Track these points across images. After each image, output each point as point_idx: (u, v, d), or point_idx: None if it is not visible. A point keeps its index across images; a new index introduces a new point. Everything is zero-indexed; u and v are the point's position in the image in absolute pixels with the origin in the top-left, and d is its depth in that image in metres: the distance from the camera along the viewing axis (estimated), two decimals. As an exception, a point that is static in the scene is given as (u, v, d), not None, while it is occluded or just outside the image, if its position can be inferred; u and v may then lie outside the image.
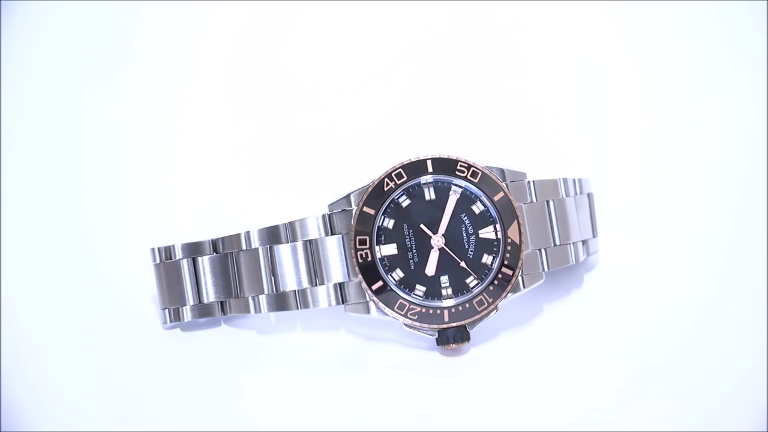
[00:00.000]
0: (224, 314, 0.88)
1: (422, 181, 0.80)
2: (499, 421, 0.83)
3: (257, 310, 0.85)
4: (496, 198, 0.80)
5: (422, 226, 0.80)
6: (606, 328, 0.91)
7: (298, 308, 0.85)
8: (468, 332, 0.82)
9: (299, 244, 0.84)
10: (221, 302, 0.88)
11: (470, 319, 0.81)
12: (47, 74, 1.04)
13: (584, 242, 0.92)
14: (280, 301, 0.85)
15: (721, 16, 1.08)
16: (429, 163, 0.80)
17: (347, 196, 0.82)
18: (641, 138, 1.05)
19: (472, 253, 0.81)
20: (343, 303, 0.83)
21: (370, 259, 0.79)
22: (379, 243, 0.80)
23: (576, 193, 0.91)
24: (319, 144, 1.04)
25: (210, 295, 0.88)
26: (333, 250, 0.83)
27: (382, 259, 0.80)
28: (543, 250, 0.86)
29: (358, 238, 0.79)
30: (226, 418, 0.81)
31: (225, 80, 1.08)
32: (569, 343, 0.90)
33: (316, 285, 0.84)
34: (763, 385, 0.85)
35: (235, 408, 0.83)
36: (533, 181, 0.86)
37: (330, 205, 0.83)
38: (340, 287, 0.83)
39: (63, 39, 1.07)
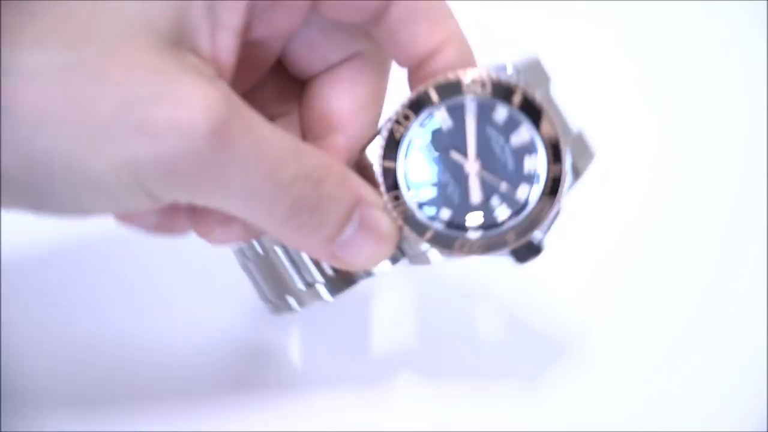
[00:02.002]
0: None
1: (433, 112, 0.72)
2: (496, 420, 0.83)
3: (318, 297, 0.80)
4: (515, 100, 0.72)
5: (452, 153, 0.72)
6: (602, 326, 0.91)
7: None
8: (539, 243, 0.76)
9: None
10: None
11: (537, 227, 0.74)
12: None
13: None
14: (347, 279, 0.79)
15: (720, 16, 1.08)
16: (432, 92, 0.71)
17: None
18: (639, 137, 1.05)
19: (512, 165, 0.73)
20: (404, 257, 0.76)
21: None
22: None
23: None
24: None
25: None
26: None
27: (420, 205, 0.73)
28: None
29: (391, 194, 0.72)
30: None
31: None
32: (565, 342, 0.90)
33: None
34: (763, 385, 0.85)
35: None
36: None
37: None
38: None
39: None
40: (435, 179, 0.73)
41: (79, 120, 0.59)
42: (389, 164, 0.71)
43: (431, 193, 0.72)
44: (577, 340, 0.90)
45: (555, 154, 0.73)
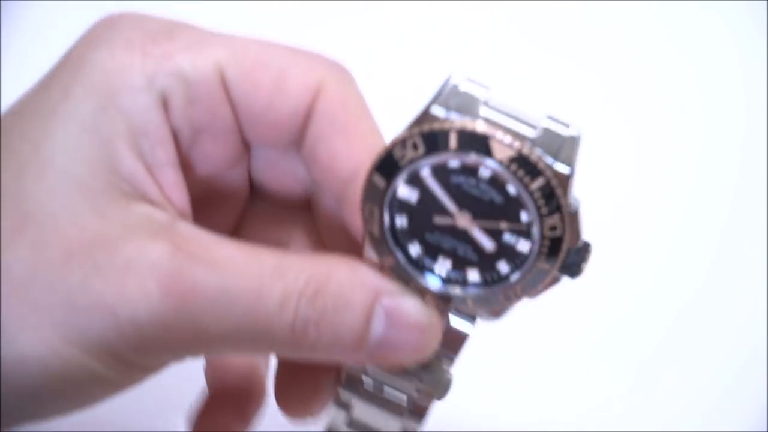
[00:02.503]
0: None
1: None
2: (493, 420, 0.83)
3: None
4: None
5: (436, 215, 0.65)
6: (599, 325, 0.91)
7: None
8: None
9: None
10: None
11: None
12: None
13: None
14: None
15: (720, 16, 1.08)
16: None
17: None
18: (639, 137, 1.05)
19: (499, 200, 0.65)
20: None
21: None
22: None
23: None
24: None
25: None
26: None
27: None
28: None
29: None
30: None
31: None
32: (560, 341, 0.90)
33: None
34: (763, 385, 0.85)
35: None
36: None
37: None
38: None
39: (63, 39, 1.07)
40: (441, 251, 0.65)
41: (36, 318, 0.58)
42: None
43: (447, 263, 0.65)
44: (577, 340, 0.90)
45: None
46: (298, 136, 0.67)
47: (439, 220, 0.64)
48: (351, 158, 0.66)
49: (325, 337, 0.61)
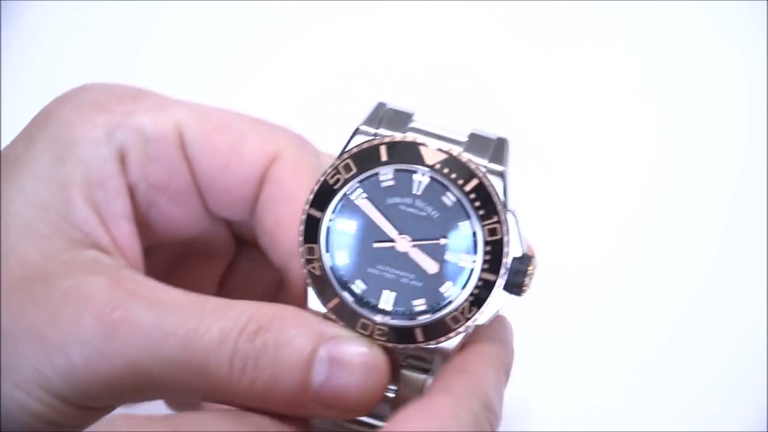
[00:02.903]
0: None
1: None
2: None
3: None
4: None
5: (375, 241, 0.65)
6: (600, 326, 0.91)
7: None
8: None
9: None
10: None
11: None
12: (48, 74, 1.04)
13: None
14: None
15: (720, 16, 1.08)
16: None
17: None
18: (639, 137, 1.05)
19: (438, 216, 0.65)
20: None
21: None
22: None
23: None
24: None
25: None
26: None
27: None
28: None
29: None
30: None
31: (230, 85, 1.08)
32: (561, 342, 0.90)
33: None
34: (763, 385, 0.85)
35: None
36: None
37: None
38: None
39: (63, 39, 1.07)
40: (385, 283, 0.64)
41: None
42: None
43: (392, 296, 0.64)
44: (578, 340, 0.90)
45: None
46: (253, 204, 0.68)
47: (379, 245, 0.64)
48: (293, 227, 0.65)
49: (265, 375, 0.60)
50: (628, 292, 0.95)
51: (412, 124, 0.65)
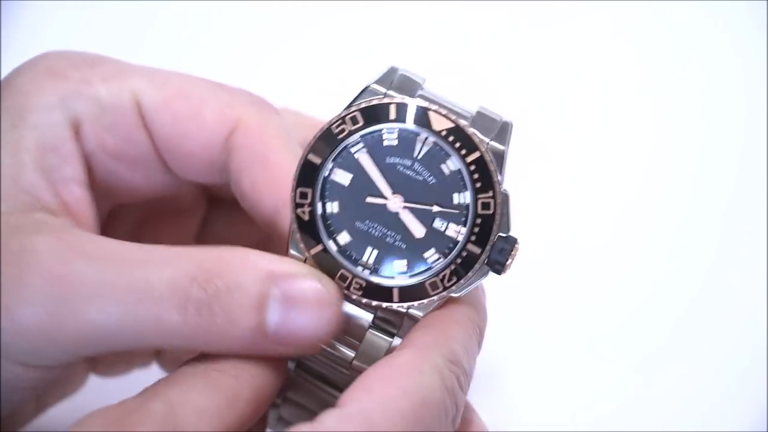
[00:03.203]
0: None
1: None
2: (493, 420, 0.83)
3: None
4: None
5: (369, 196, 0.65)
6: (600, 327, 0.91)
7: None
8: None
9: None
10: None
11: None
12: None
13: None
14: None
15: (720, 16, 1.08)
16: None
17: None
18: (639, 137, 1.05)
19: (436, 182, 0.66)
20: None
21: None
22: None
23: None
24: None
25: None
26: None
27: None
28: None
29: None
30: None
31: (233, 77, 1.08)
32: (561, 343, 0.90)
33: None
34: (763, 385, 0.85)
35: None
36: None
37: None
38: None
39: (63, 39, 1.07)
40: (370, 239, 0.65)
41: None
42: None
43: (375, 253, 0.65)
44: (578, 341, 0.90)
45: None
46: (221, 170, 0.68)
47: (372, 200, 0.65)
48: (272, 190, 0.66)
49: (219, 319, 0.60)
50: (628, 293, 0.95)
51: (420, 92, 0.66)
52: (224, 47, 1.08)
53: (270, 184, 0.67)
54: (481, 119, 0.66)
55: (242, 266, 0.61)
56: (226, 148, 0.67)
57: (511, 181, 0.83)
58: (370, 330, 0.65)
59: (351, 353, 0.65)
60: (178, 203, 0.74)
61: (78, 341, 0.60)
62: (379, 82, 0.66)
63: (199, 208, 0.76)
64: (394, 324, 0.65)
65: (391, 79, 0.66)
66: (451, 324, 0.63)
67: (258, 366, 0.61)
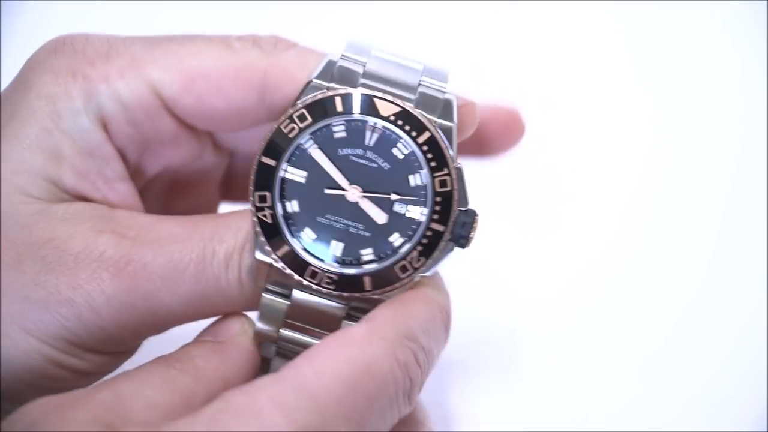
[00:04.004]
0: None
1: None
2: (494, 419, 0.83)
3: None
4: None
5: (326, 189, 0.66)
6: (600, 327, 0.91)
7: None
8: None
9: None
10: None
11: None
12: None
13: None
14: None
15: (720, 16, 1.08)
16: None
17: None
18: (639, 136, 1.05)
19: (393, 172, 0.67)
20: None
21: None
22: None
23: None
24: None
25: None
26: None
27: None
28: None
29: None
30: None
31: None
32: (562, 343, 0.90)
33: None
34: (763, 385, 0.85)
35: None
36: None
37: None
38: None
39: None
40: (334, 232, 0.66)
41: None
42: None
43: (340, 246, 0.66)
44: (578, 341, 0.90)
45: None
46: (262, 115, 0.70)
47: (330, 191, 0.66)
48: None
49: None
50: (629, 295, 0.95)
51: (361, 81, 0.67)
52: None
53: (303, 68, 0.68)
54: (425, 99, 0.67)
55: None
56: (262, 100, 0.69)
57: (513, 180, 0.84)
58: (344, 321, 0.66)
59: None
60: (202, 161, 0.76)
61: (152, 324, 0.65)
62: (320, 76, 0.67)
63: (223, 158, 0.78)
64: (367, 311, 0.66)
65: (331, 71, 0.67)
66: (411, 303, 0.64)
67: (223, 367, 0.63)
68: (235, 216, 0.67)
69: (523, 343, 0.90)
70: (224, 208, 0.83)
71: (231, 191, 0.81)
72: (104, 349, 0.65)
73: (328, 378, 0.57)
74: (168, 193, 0.77)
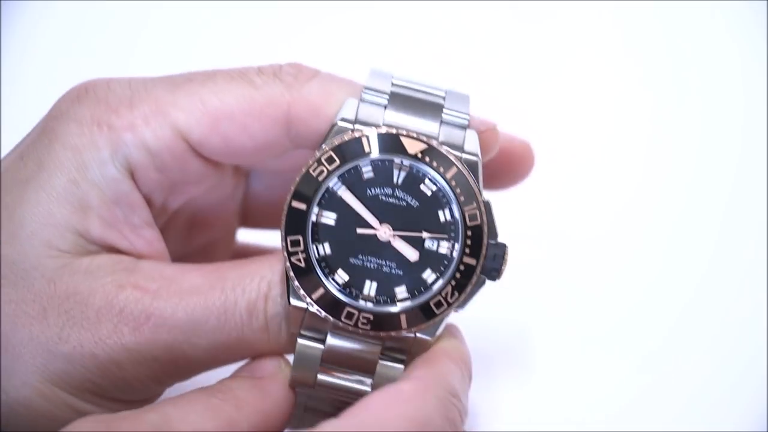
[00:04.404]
0: None
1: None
2: (494, 419, 0.83)
3: None
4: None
5: (358, 229, 0.67)
6: (600, 327, 0.91)
7: None
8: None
9: None
10: None
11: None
12: (48, 73, 1.04)
13: None
14: None
15: (720, 16, 1.08)
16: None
17: None
18: (639, 137, 1.05)
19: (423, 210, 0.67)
20: None
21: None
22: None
23: None
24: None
25: None
26: None
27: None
28: None
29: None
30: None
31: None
32: (562, 343, 0.90)
33: None
34: (763, 385, 0.85)
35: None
36: None
37: None
38: None
39: (63, 39, 1.07)
40: (367, 272, 0.66)
41: (20, 366, 0.64)
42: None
43: (374, 285, 0.66)
44: (579, 341, 0.90)
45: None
46: (288, 146, 0.70)
47: (362, 231, 0.66)
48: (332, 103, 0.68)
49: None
50: (629, 295, 0.95)
51: (385, 117, 0.68)
52: (223, 46, 1.08)
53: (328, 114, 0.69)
54: (449, 134, 0.68)
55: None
56: (287, 133, 0.69)
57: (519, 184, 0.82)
58: (380, 362, 0.66)
59: (367, 388, 0.67)
60: (222, 187, 0.76)
61: (174, 374, 0.67)
62: (344, 118, 0.67)
63: (239, 187, 0.78)
64: (402, 350, 0.66)
65: (355, 111, 0.67)
66: (447, 361, 0.65)
67: (262, 401, 0.65)
68: (258, 263, 0.67)
69: (525, 343, 0.90)
70: (242, 234, 0.84)
71: (248, 217, 0.82)
72: (127, 397, 0.66)
73: (388, 430, 0.58)
74: (189, 225, 0.77)
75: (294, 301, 0.65)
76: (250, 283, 0.66)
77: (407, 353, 0.66)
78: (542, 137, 1.04)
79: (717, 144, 1.03)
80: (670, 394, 0.85)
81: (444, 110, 0.68)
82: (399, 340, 0.66)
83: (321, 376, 0.66)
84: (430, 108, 0.68)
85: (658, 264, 0.97)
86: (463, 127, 0.68)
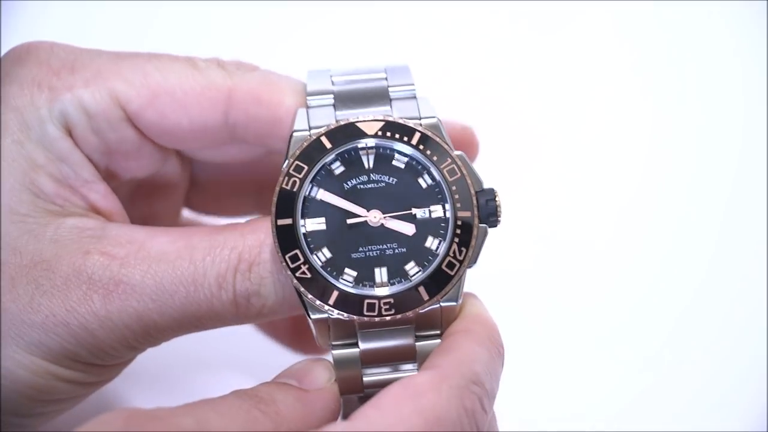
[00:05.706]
0: None
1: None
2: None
3: None
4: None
5: (348, 219, 0.66)
6: (601, 327, 0.91)
7: None
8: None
9: None
10: None
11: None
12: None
13: None
14: None
15: (720, 16, 1.08)
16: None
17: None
18: (639, 136, 1.05)
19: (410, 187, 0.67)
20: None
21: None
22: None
23: None
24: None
25: None
26: None
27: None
28: None
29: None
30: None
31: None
32: (562, 343, 0.90)
33: None
34: (763, 385, 0.85)
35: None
36: None
37: None
38: None
39: (63, 39, 1.07)
40: (373, 261, 0.66)
41: None
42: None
43: (383, 270, 0.66)
44: (579, 341, 0.91)
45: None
46: (224, 136, 0.71)
47: (353, 221, 0.66)
48: (278, 125, 0.69)
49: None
50: (629, 295, 0.95)
51: (336, 113, 0.69)
52: (224, 46, 1.08)
53: (275, 123, 0.70)
54: (401, 110, 0.69)
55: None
56: (225, 119, 0.70)
57: (517, 179, 0.84)
58: (417, 344, 0.66)
59: (414, 373, 0.66)
60: (166, 176, 0.77)
61: (144, 340, 0.66)
62: (298, 127, 0.68)
63: (185, 169, 0.79)
64: (433, 325, 0.66)
65: (306, 117, 0.68)
66: (470, 344, 0.64)
67: (305, 418, 0.63)
68: (228, 232, 0.67)
69: (525, 343, 0.90)
70: (187, 215, 0.84)
71: (193, 200, 0.83)
72: (104, 362, 0.67)
73: (399, 429, 0.57)
74: (131, 199, 0.78)
75: (314, 315, 0.65)
76: (220, 253, 0.66)
77: (441, 327, 0.66)
78: (542, 137, 1.04)
79: (717, 144, 1.03)
80: (671, 394, 0.85)
81: (389, 89, 0.69)
82: (427, 318, 0.66)
83: (367, 378, 0.66)
84: (377, 93, 0.69)
85: (660, 264, 0.97)
86: (413, 97, 0.69)
